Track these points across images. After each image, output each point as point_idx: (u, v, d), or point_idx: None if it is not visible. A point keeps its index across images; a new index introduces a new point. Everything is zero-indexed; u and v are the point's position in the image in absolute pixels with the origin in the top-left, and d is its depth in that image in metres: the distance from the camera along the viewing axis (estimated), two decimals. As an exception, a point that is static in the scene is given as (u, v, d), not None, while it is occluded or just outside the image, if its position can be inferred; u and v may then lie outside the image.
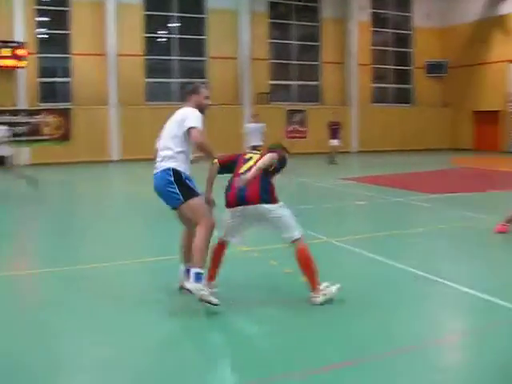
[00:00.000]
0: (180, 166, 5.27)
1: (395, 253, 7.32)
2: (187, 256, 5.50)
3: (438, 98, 31.80)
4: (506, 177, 18.01)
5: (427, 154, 21.98)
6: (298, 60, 28.80)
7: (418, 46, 31.80)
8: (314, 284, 5.25)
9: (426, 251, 7.59)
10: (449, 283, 5.87)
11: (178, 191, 5.20)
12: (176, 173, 5.23)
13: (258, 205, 5.25)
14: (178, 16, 26.08)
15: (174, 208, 5.44)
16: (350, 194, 13.70)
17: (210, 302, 4.99)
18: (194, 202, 5.25)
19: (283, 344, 4.56)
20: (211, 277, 5.41)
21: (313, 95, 29.00)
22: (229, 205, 5.40)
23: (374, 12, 30.45)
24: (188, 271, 5.30)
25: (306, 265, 5.28)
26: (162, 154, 5.35)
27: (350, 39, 29.08)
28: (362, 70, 29.45)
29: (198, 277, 5.03)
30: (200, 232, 5.19)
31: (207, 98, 5.57)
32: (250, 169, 5.31)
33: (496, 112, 29.15)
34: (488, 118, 29.61)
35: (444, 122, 30.79)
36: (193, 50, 26.47)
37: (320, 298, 5.19)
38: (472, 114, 30.57)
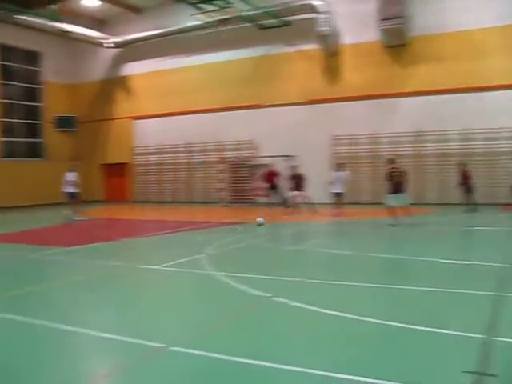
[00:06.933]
0: None
1: (33, 309, 7.37)
2: None
3: (70, 151, 32.47)
4: (137, 225, 19.41)
5: (61, 206, 22.29)
6: None
7: (48, 100, 32.14)
8: None
9: (65, 303, 7.79)
10: (88, 331, 6.19)
11: None
12: None
13: None
14: None
15: None
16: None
17: None
18: None
19: None
20: None
21: None
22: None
23: (1, 64, 29.82)
24: None
25: None
26: None
27: (-25, 91, 27.95)
28: (-12, 124, 28.46)
29: None
30: None
31: None
32: None
33: (123, 164, 31.07)
34: (116, 171, 31.38)
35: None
36: None
37: None
38: (102, 166, 32.05)
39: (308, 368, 4.87)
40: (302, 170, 21.52)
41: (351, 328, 6.21)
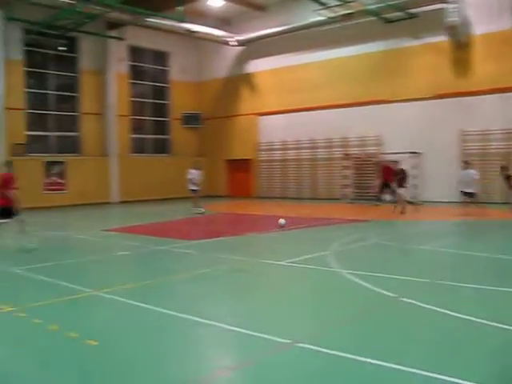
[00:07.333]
0: None
1: (162, 299, 7.63)
2: None
3: (194, 147, 33.47)
4: (260, 220, 19.56)
5: (186, 201, 23.00)
6: (56, 110, 28.24)
7: (174, 98, 33.27)
8: None
9: (192, 295, 7.99)
10: (215, 323, 6.34)
11: None
12: None
13: None
14: None
15: None
16: (113, 244, 13.79)
17: None
18: None
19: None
20: None
21: (72, 146, 28.58)
22: None
23: (132, 65, 31.28)
24: None
25: None
26: None
27: (109, 90, 29.42)
28: (120, 121, 29.89)
29: None
30: None
31: None
32: None
33: (248, 160, 31.51)
34: (240, 166, 31.88)
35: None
36: None
37: None
38: (225, 162, 32.68)
39: (434, 373, 4.68)
40: (404, 166, 20.90)
41: (483, 334, 5.88)
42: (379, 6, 24.01)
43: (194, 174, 21.55)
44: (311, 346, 5.44)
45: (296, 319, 6.67)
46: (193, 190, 21.46)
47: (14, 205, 12.23)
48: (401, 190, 19.97)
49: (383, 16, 25.05)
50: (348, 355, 5.15)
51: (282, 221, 15.74)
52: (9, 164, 12.87)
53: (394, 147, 24.58)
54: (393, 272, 9.12)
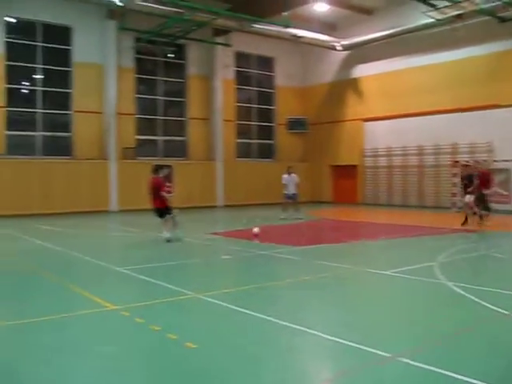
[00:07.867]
0: None
1: (263, 305, 7.58)
2: None
3: (299, 152, 33.42)
4: (364, 227, 19.18)
5: (288, 206, 22.94)
6: (164, 115, 29.13)
7: (280, 103, 33.39)
8: None
9: (293, 302, 7.88)
10: (315, 332, 6.19)
11: None
12: None
13: None
14: (43, 68, 25.29)
15: None
16: (216, 248, 13.96)
17: None
18: None
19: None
20: None
21: (179, 150, 29.33)
22: None
23: (238, 70, 31.75)
24: None
25: None
26: None
27: (215, 96, 29.97)
28: (226, 126, 30.38)
29: None
30: None
31: None
32: None
33: (353, 166, 31.05)
34: (346, 172, 31.47)
35: (304, 176, 31.05)
36: (57, 103, 25.80)
37: None
38: (331, 168, 32.38)
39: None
40: (473, 170, 18.95)
41: None
42: (494, 4, 22.83)
43: (286, 179, 21.43)
44: (412, 362, 5.18)
45: (398, 332, 6.42)
46: (287, 196, 21.33)
47: (167, 205, 14.03)
48: (466, 198, 18.12)
49: (499, 15, 23.83)
50: (451, 374, 4.85)
51: (255, 229, 15.33)
52: (159, 169, 13.99)
53: (507, 154, 23.36)
54: (505, 287, 8.58)
